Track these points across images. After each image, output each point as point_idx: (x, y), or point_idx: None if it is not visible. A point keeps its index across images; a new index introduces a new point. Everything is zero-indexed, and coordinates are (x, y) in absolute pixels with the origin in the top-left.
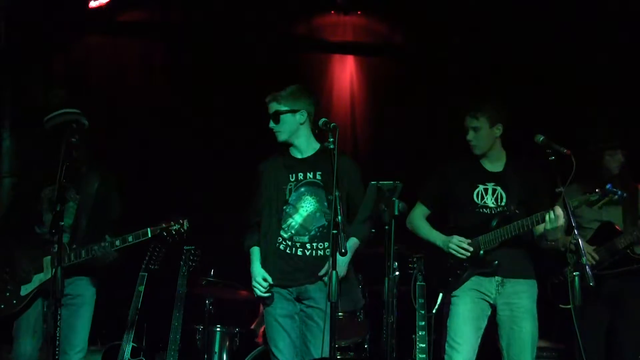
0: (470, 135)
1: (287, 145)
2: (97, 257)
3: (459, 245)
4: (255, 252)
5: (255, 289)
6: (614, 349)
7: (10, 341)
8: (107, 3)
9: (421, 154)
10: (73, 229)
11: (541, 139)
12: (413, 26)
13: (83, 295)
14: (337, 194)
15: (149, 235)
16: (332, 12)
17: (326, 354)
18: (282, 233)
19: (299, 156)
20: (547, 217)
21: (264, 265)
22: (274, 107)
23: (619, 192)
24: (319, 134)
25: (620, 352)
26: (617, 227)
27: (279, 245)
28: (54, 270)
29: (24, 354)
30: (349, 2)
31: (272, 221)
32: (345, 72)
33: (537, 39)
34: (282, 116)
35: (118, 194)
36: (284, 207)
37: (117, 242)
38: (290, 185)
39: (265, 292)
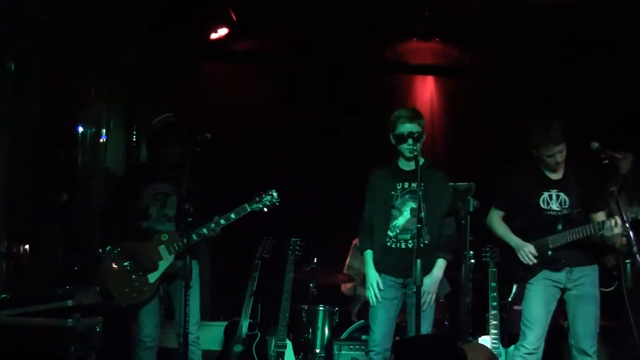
0: (560, 158)
1: (399, 156)
2: (206, 237)
3: (526, 254)
4: (369, 255)
5: (368, 290)
6: None
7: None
8: (226, 35)
9: (489, 158)
10: (177, 218)
11: (595, 145)
12: (482, 51)
13: (192, 277)
14: (420, 193)
15: (248, 210)
16: (414, 39)
17: (423, 329)
18: (389, 232)
19: (406, 168)
20: (606, 225)
21: (375, 257)
22: (416, 128)
23: None
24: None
25: None
26: None
27: (387, 242)
28: (187, 258)
29: (151, 333)
30: (428, 31)
31: (381, 222)
32: (426, 90)
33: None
34: (422, 136)
35: (208, 192)
36: (392, 210)
37: (222, 221)
38: (397, 192)
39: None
